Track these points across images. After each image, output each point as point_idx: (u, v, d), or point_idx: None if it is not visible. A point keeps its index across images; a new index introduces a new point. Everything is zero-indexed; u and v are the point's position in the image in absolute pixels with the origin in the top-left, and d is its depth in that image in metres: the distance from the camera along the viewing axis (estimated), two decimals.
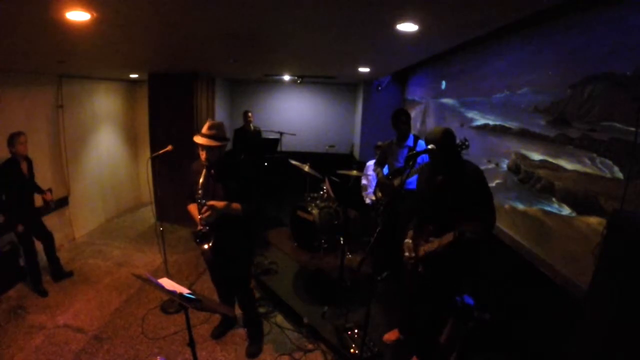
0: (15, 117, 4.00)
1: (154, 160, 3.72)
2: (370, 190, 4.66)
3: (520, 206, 2.64)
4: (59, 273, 3.90)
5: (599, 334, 1.49)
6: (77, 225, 5.20)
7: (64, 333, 3.07)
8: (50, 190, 3.70)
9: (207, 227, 2.38)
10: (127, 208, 6.58)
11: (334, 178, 4.09)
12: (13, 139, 3.38)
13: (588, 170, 1.99)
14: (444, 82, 4.23)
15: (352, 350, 2.72)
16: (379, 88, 6.28)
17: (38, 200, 3.73)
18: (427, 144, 2.22)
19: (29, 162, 3.63)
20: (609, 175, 1.85)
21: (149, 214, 6.04)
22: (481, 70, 3.31)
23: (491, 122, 3.09)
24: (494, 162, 3.02)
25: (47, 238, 3.82)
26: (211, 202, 2.37)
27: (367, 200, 4.68)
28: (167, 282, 1.88)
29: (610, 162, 1.85)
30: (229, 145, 2.52)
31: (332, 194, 4.52)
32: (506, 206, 2.81)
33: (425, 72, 5.06)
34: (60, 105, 4.76)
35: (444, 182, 2.26)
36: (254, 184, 2.56)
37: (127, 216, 6.30)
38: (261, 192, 2.62)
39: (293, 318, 3.30)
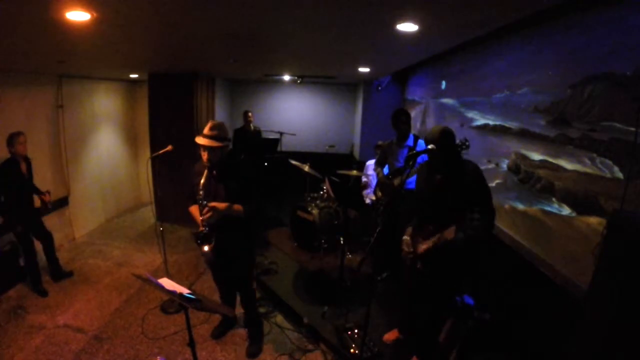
0: (15, 117, 4.00)
1: (154, 160, 3.72)
2: (370, 190, 4.66)
3: (520, 206, 2.64)
4: (59, 273, 3.91)
5: (599, 334, 1.49)
6: (77, 225, 5.20)
7: (64, 333, 3.07)
8: (48, 192, 3.69)
9: (208, 229, 2.37)
10: (127, 208, 6.58)
11: (334, 178, 4.09)
12: (12, 139, 3.38)
13: (588, 170, 1.99)
14: (444, 82, 4.23)
15: (352, 350, 2.72)
16: (379, 88, 6.28)
17: (36, 201, 3.73)
18: (426, 143, 2.23)
19: (28, 162, 3.62)
20: (609, 175, 1.85)
21: (149, 214, 6.04)
22: (481, 70, 3.31)
23: (491, 122, 3.09)
24: (494, 162, 3.02)
25: (47, 238, 3.82)
26: (212, 204, 2.36)
27: (367, 200, 4.68)
28: (167, 282, 1.88)
29: (610, 162, 1.85)
30: (229, 146, 2.52)
31: (332, 194, 4.51)
32: (506, 206, 2.81)
33: (425, 72, 5.06)
34: (60, 105, 4.76)
35: (443, 181, 2.26)
36: (254, 184, 2.55)
37: (127, 216, 6.30)
38: (261, 192, 2.61)
39: (293, 318, 3.30)
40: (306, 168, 4.42)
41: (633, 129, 1.69)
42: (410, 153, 2.28)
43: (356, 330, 2.90)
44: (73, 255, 4.60)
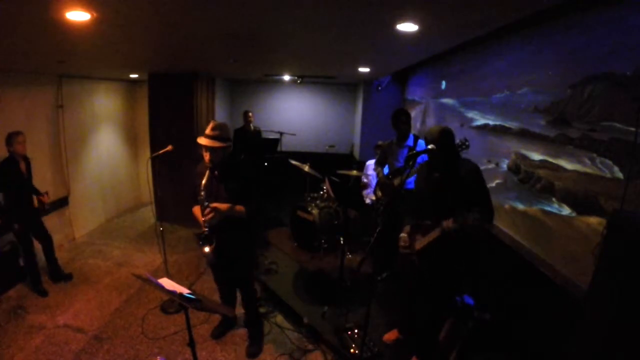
0: (15, 117, 4.00)
1: (154, 160, 3.71)
2: (370, 190, 4.66)
3: (520, 206, 2.64)
4: (58, 275, 3.89)
5: (599, 334, 1.49)
6: (77, 225, 5.20)
7: (64, 333, 3.07)
8: (47, 193, 3.68)
9: (210, 230, 2.37)
10: (127, 208, 6.58)
11: (334, 178, 4.09)
12: (11, 138, 3.38)
13: (588, 170, 1.99)
14: (444, 82, 4.23)
15: (352, 350, 2.72)
16: (379, 88, 6.28)
17: (34, 202, 3.72)
18: (426, 143, 2.23)
19: (28, 162, 3.62)
20: (609, 175, 1.85)
21: (149, 214, 6.04)
22: (481, 70, 3.31)
23: (491, 122, 3.09)
24: (494, 162, 3.02)
25: (46, 240, 3.80)
26: (214, 204, 2.35)
27: (367, 200, 4.68)
28: (167, 282, 1.88)
29: (610, 162, 1.85)
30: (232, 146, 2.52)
31: (332, 194, 4.52)
32: (506, 206, 2.81)
33: (425, 72, 5.06)
34: (60, 105, 4.76)
35: (442, 180, 2.27)
36: (254, 184, 2.55)
37: (127, 216, 6.30)
38: (261, 192, 2.61)
39: (293, 318, 3.30)
40: (306, 168, 4.42)
41: (633, 129, 1.69)
42: (410, 153, 2.28)
43: (356, 330, 2.90)
44: (73, 255, 4.60)
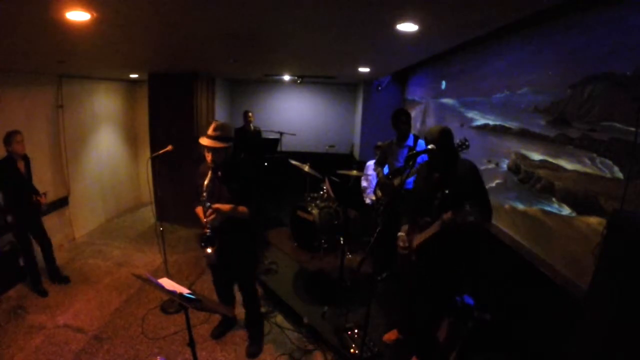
0: (15, 117, 4.00)
1: (154, 160, 3.72)
2: (370, 190, 4.66)
3: (520, 206, 2.64)
4: (56, 277, 3.87)
5: (599, 334, 1.49)
6: (77, 225, 5.20)
7: (64, 333, 3.07)
8: (45, 194, 3.67)
9: (212, 231, 2.36)
10: (127, 208, 6.58)
11: (334, 178, 4.10)
12: (10, 138, 3.37)
13: (588, 170, 1.99)
14: (444, 82, 4.23)
15: (352, 350, 2.72)
16: (379, 88, 6.28)
17: None
18: (426, 143, 2.23)
19: (27, 161, 3.61)
20: (609, 175, 1.85)
21: (149, 214, 6.04)
22: (481, 70, 3.31)
23: (491, 122, 3.09)
24: (494, 162, 3.02)
25: (44, 241, 3.76)
26: (216, 205, 2.35)
27: (367, 200, 4.68)
28: (167, 282, 1.88)
29: (610, 162, 1.85)
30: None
31: (332, 194, 4.52)
32: (506, 206, 2.81)
33: (425, 72, 5.06)
34: (60, 105, 4.76)
35: (441, 179, 2.27)
36: (254, 183, 2.55)
37: (127, 216, 6.30)
38: (261, 192, 2.60)
39: (293, 318, 3.30)
40: (306, 168, 4.42)
41: (633, 129, 1.69)
42: (410, 153, 2.28)
43: (356, 330, 2.90)
44: (73, 255, 4.60)
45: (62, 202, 4.88)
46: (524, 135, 2.60)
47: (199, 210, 2.50)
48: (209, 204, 2.34)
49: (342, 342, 2.83)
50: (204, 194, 2.34)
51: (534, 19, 2.26)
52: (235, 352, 2.90)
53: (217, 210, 2.33)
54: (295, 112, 7.88)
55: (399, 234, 2.45)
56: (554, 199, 2.26)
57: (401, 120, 3.47)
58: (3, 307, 3.40)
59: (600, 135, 1.90)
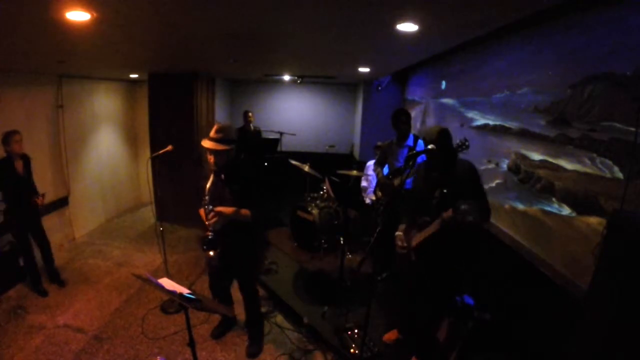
0: (15, 117, 4.00)
1: (154, 160, 3.71)
2: (370, 190, 4.66)
3: (520, 206, 2.64)
4: (54, 277, 3.85)
5: (599, 334, 1.49)
6: (77, 225, 5.20)
7: (64, 333, 3.07)
8: (43, 195, 3.66)
9: (214, 234, 2.35)
10: (127, 208, 6.58)
11: (334, 178, 4.10)
12: (8, 138, 3.36)
13: (588, 170, 1.99)
14: (444, 82, 4.23)
15: (352, 350, 2.72)
16: (379, 88, 6.28)
17: None
18: (425, 143, 2.24)
19: (26, 161, 3.59)
20: (609, 175, 1.85)
21: (149, 214, 6.04)
22: (481, 70, 3.31)
23: (491, 122, 3.09)
24: (494, 162, 3.02)
25: (43, 242, 3.75)
26: (218, 208, 2.34)
27: (367, 200, 4.68)
28: (167, 282, 1.88)
29: (610, 162, 1.85)
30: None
31: (332, 194, 4.52)
32: (506, 206, 2.81)
33: (425, 72, 5.06)
34: (60, 105, 4.76)
35: (439, 179, 2.27)
36: (256, 186, 2.53)
37: (127, 216, 6.30)
38: (262, 193, 2.59)
39: (293, 318, 3.30)
40: (306, 168, 4.42)
41: (633, 129, 1.69)
42: (410, 153, 2.29)
43: (356, 330, 2.90)
44: (73, 255, 4.60)
45: (62, 202, 4.87)
46: (524, 135, 2.60)
47: (202, 212, 2.50)
48: (211, 206, 2.34)
49: (342, 342, 2.83)
50: (206, 197, 2.33)
51: (534, 19, 2.26)
52: (235, 352, 2.90)
53: (219, 214, 2.32)
54: (295, 112, 7.88)
55: (397, 233, 2.45)
56: (554, 199, 2.26)
57: (401, 120, 3.47)
58: (3, 307, 3.40)
59: (600, 135, 1.90)
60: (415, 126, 5.06)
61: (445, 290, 2.44)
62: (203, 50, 3.31)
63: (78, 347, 2.90)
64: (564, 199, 2.18)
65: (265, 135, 6.51)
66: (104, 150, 5.88)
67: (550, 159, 2.32)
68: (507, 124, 2.84)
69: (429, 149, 2.18)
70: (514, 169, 2.74)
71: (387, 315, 3.21)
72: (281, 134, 6.30)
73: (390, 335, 2.90)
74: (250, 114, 6.20)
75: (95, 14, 1.89)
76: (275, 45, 3.04)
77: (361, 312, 3.05)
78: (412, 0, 1.79)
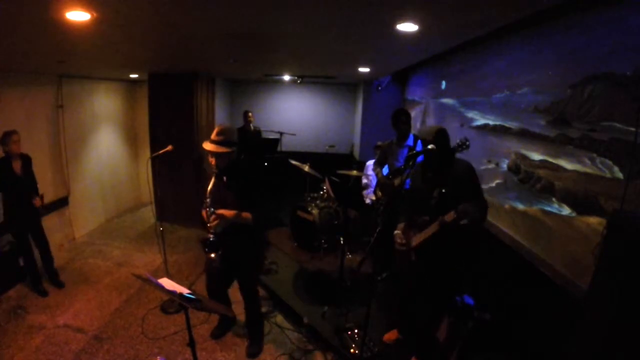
0: (15, 117, 4.00)
1: (154, 160, 3.72)
2: (371, 190, 4.66)
3: (520, 206, 2.64)
4: (53, 278, 3.85)
5: (599, 334, 1.49)
6: (77, 225, 5.20)
7: (64, 333, 3.07)
8: (42, 196, 3.66)
9: (216, 236, 2.34)
10: (127, 208, 6.58)
11: (334, 178, 4.09)
12: (6, 138, 3.35)
13: (588, 170, 1.99)
14: (444, 82, 4.23)
15: (352, 350, 2.72)
16: (379, 88, 6.28)
17: None
18: (422, 143, 2.24)
19: (25, 161, 3.58)
20: (609, 175, 1.85)
21: (149, 214, 6.04)
22: (481, 70, 3.31)
23: (491, 122, 3.09)
24: (494, 162, 3.02)
25: (42, 243, 3.73)
26: (220, 211, 2.34)
27: (367, 200, 4.68)
28: (167, 282, 1.88)
29: (610, 162, 1.85)
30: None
31: (332, 194, 4.52)
32: (506, 206, 2.81)
33: (425, 72, 5.06)
34: (60, 105, 4.76)
35: (437, 179, 2.28)
36: (257, 188, 2.52)
37: (127, 216, 6.30)
38: (261, 192, 2.58)
39: (293, 318, 3.30)
40: (306, 168, 4.42)
41: (633, 129, 1.69)
42: (410, 153, 2.28)
43: (356, 330, 2.90)
44: (73, 255, 4.60)
45: (62, 202, 4.87)
46: (524, 135, 2.60)
47: (204, 214, 2.49)
48: (212, 209, 2.33)
49: (342, 342, 2.83)
50: (208, 200, 2.33)
51: (534, 19, 2.26)
52: (235, 352, 2.90)
53: (220, 216, 2.32)
54: (295, 112, 7.88)
55: (395, 232, 2.45)
56: (554, 199, 2.26)
57: (401, 120, 3.47)
58: (3, 307, 3.40)
59: (600, 135, 1.90)
60: (415, 126, 5.06)
61: (445, 290, 2.44)
62: (203, 50, 3.31)
63: (78, 347, 2.90)
64: (564, 199, 2.18)
65: (265, 135, 6.51)
66: (104, 150, 5.88)
67: (550, 159, 2.32)
68: (507, 124, 2.84)
69: (430, 149, 2.18)
70: (514, 169, 2.74)
71: (387, 315, 3.21)
72: (281, 134, 6.30)
73: (390, 335, 2.90)
74: (250, 114, 6.20)
75: (95, 14, 1.89)
76: (275, 45, 3.04)
77: (361, 312, 3.05)
78: (412, 1, 1.79)
